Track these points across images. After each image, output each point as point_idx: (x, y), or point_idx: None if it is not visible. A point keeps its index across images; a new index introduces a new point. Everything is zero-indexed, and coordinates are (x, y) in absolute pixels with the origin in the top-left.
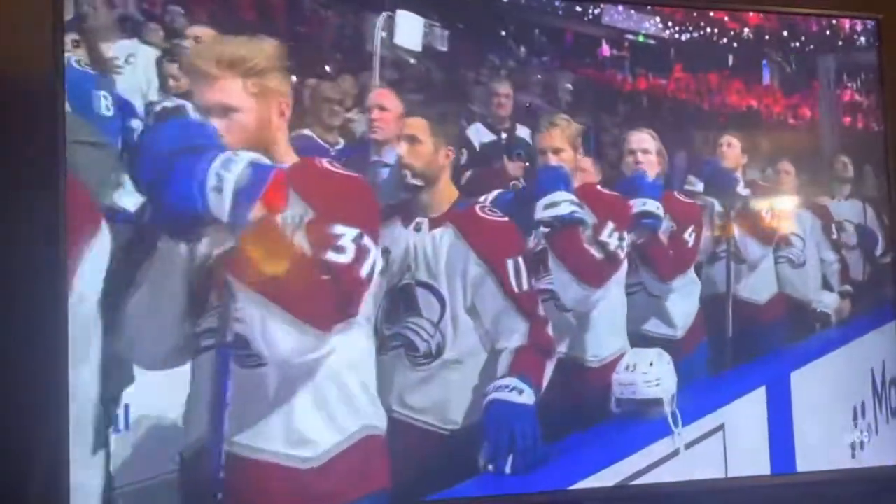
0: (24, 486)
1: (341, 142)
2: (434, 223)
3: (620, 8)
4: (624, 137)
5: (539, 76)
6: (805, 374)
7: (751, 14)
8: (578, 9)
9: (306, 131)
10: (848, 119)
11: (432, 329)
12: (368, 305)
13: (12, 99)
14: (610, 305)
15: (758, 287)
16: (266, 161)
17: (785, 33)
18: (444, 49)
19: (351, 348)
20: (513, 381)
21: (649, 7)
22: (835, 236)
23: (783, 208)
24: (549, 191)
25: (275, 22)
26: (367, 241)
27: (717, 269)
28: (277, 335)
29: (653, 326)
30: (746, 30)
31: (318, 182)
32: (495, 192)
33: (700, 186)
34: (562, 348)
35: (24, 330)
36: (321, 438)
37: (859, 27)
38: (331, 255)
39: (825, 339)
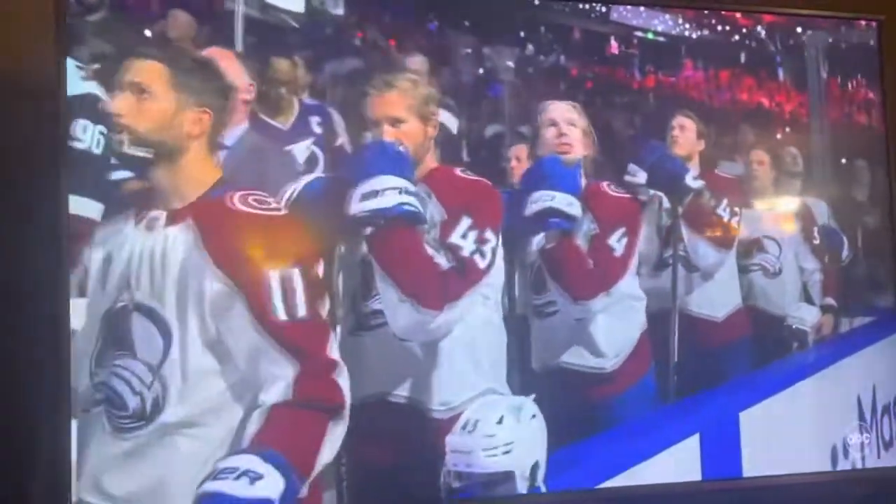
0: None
1: None
2: (173, 218)
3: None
4: (543, 108)
5: (469, 50)
6: (766, 410)
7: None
8: (585, 6)
9: None
10: (842, 115)
11: (148, 375)
12: None
13: (14, 97)
14: (472, 332)
15: (714, 300)
16: None
17: (798, 29)
18: (340, 12)
19: None
20: (245, 462)
21: (655, 7)
22: (816, 241)
23: (752, 206)
24: (371, 175)
25: None
26: None
27: (664, 278)
28: None
29: (573, 357)
30: (759, 27)
31: None
32: (305, 179)
33: (642, 177)
34: (401, 391)
35: (25, 330)
36: None
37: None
38: None
39: (800, 362)
